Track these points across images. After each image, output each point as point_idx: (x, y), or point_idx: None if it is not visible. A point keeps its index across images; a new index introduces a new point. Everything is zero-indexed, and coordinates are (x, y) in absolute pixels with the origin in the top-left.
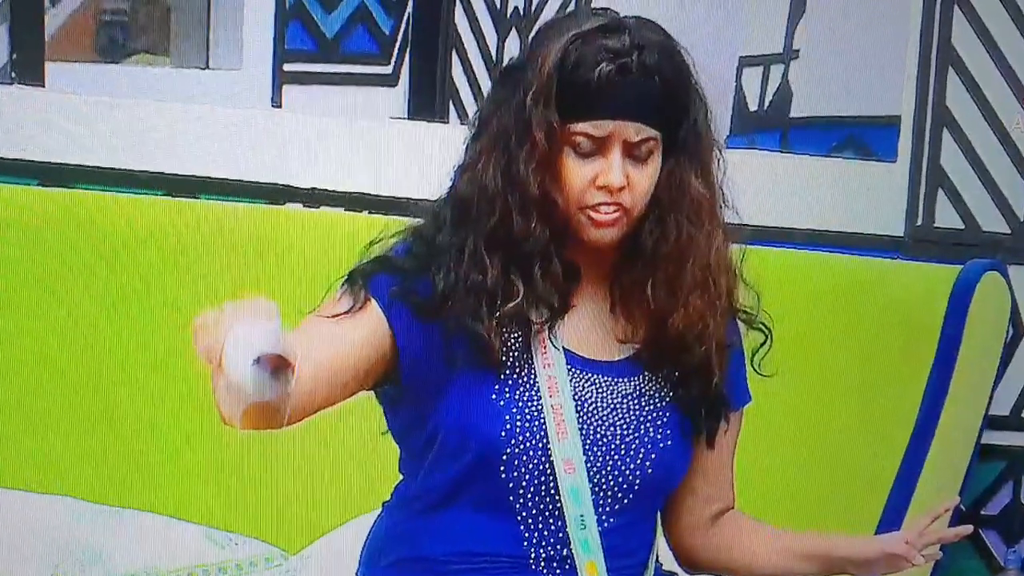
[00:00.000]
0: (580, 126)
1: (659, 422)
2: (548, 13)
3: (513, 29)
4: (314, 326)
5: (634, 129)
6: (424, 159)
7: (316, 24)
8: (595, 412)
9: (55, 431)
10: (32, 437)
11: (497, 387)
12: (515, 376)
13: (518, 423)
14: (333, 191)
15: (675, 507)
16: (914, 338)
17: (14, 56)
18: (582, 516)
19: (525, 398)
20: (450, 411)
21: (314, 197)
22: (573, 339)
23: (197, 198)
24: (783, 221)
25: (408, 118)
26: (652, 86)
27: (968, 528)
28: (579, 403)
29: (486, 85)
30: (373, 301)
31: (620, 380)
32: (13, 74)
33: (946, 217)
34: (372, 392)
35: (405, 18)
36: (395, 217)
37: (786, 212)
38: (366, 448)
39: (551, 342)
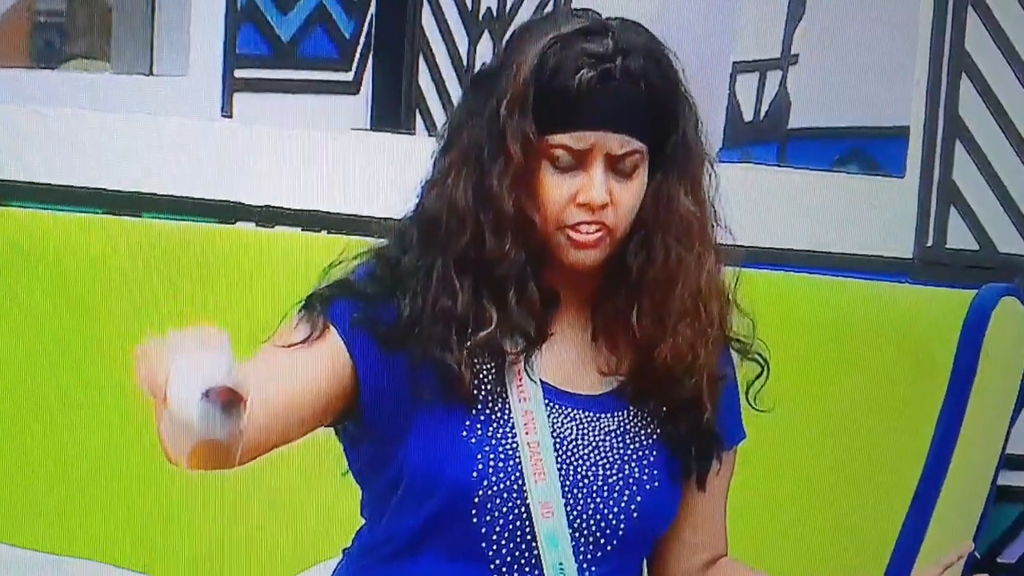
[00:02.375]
0: (559, 138)
1: (645, 462)
2: (524, 14)
3: (486, 32)
4: (268, 357)
5: (618, 141)
6: (388, 174)
7: (270, 26)
8: (575, 451)
9: None
10: None
11: (468, 423)
12: (488, 411)
13: (491, 463)
14: (289, 209)
15: (662, 555)
16: (924, 369)
17: None
18: (561, 564)
19: (499, 436)
20: (416, 450)
21: (268, 215)
22: (551, 371)
23: (140, 217)
24: (780, 242)
25: (371, 129)
26: (637, 94)
27: None
28: (558, 441)
29: (456, 93)
30: (332, 329)
31: (603, 416)
32: None
33: (959, 237)
34: (331, 429)
35: (367, 20)
36: (356, 237)
37: (784, 232)
38: (324, 490)
39: (527, 374)
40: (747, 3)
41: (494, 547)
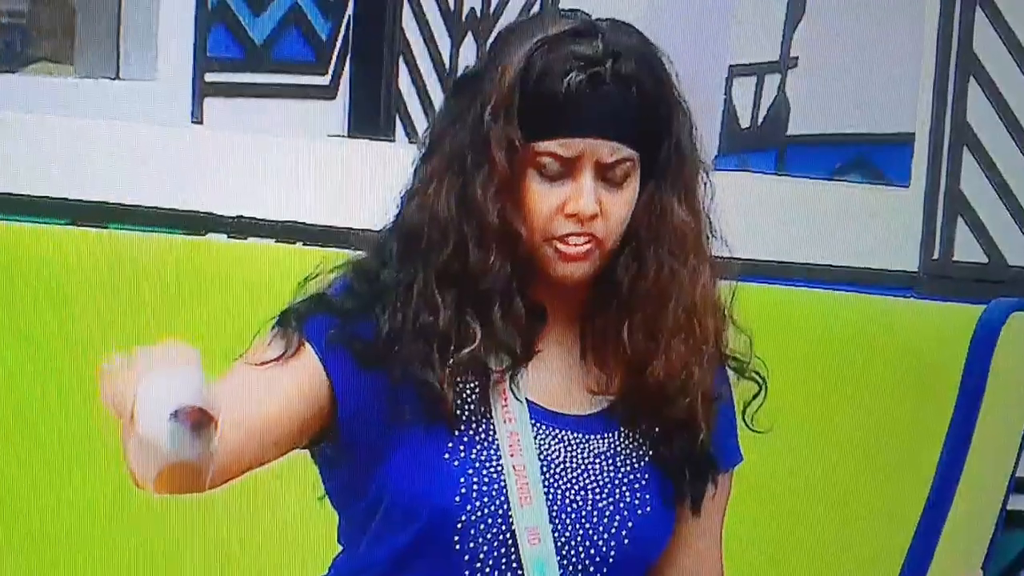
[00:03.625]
0: (546, 145)
1: (637, 485)
2: (509, 16)
3: (469, 33)
4: (240, 375)
5: (608, 148)
6: (367, 183)
7: (243, 28)
8: (563, 474)
9: None
10: None
11: (451, 445)
12: (471, 432)
13: (475, 487)
14: (262, 220)
15: None
16: (929, 389)
17: None
18: None
19: (483, 458)
20: (396, 473)
21: (240, 227)
22: (538, 390)
23: (106, 228)
24: (779, 254)
25: (348, 135)
26: (629, 99)
27: None
28: (545, 463)
29: (438, 98)
30: (308, 346)
31: (592, 437)
32: None
33: (966, 250)
34: (307, 451)
35: (345, 21)
36: (333, 249)
37: (783, 244)
38: (300, 515)
39: (512, 393)
40: (744, 3)
41: (478, 575)
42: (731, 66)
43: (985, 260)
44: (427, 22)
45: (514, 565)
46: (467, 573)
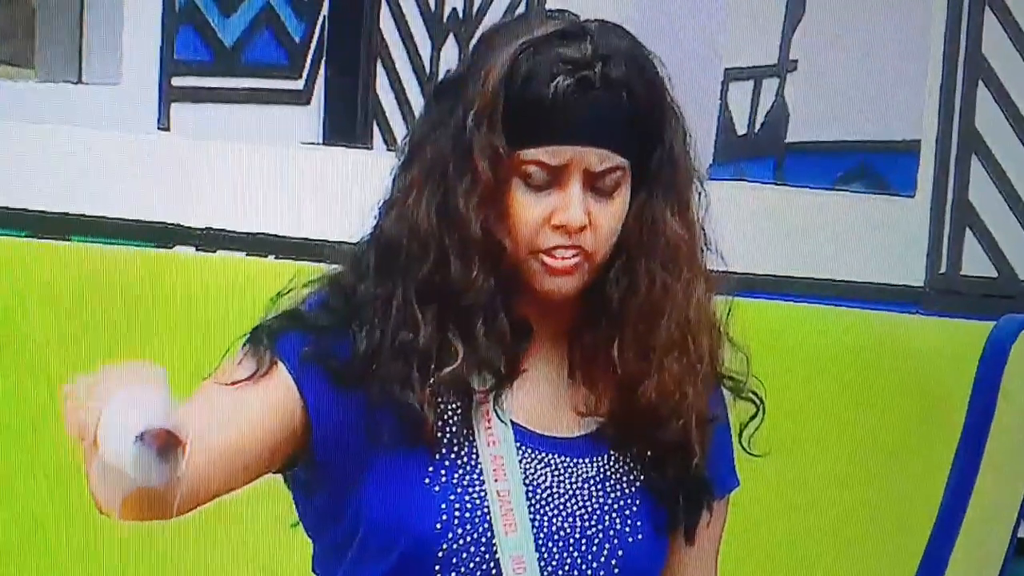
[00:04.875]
0: (532, 153)
1: (627, 512)
2: (493, 16)
3: (451, 35)
4: (210, 396)
5: (597, 156)
6: (343, 192)
7: (212, 29)
8: (550, 500)
9: None
10: None
11: (431, 470)
12: (453, 456)
13: (456, 513)
14: (232, 232)
15: None
16: (937, 410)
17: None
18: None
19: (465, 483)
20: (374, 499)
21: (209, 239)
22: (523, 411)
23: (68, 240)
24: (778, 268)
25: (323, 143)
26: (619, 104)
27: None
28: (530, 489)
29: (418, 103)
30: (281, 365)
31: (580, 461)
32: None
33: (975, 263)
34: (280, 475)
35: (319, 22)
36: (307, 263)
37: (782, 257)
38: (272, 543)
39: (496, 415)
40: (740, 3)
41: None
42: (727, 69)
43: (995, 274)
44: (406, 23)
45: None
46: None
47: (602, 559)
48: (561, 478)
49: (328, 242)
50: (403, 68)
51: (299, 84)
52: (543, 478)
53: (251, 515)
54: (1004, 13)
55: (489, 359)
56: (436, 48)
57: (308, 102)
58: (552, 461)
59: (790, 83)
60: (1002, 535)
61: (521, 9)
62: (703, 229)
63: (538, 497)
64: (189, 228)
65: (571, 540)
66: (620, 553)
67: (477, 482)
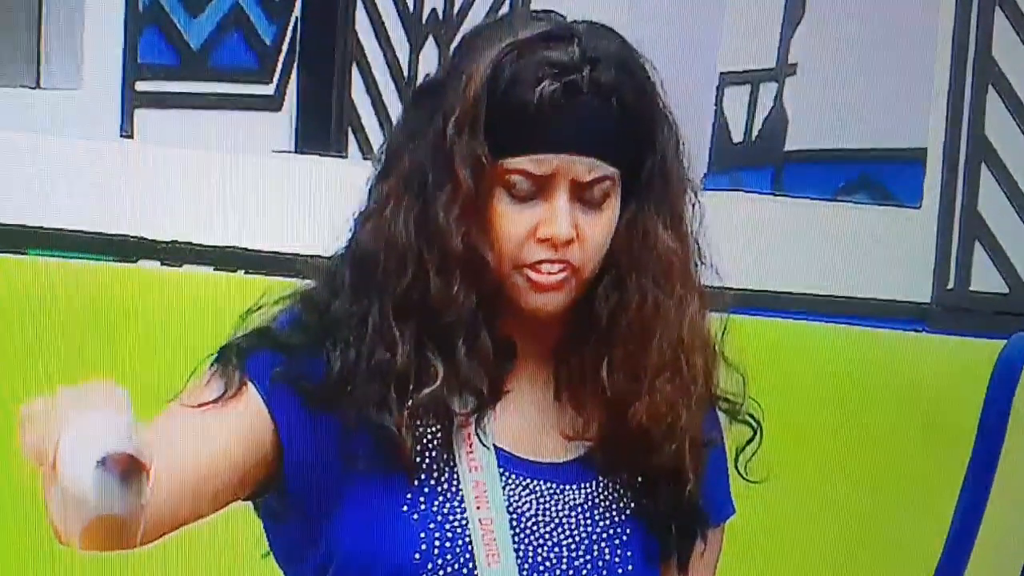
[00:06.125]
0: (516, 162)
1: (617, 541)
2: (474, 18)
3: (430, 37)
4: (175, 418)
5: (585, 166)
6: (316, 204)
7: (178, 31)
8: (535, 528)
9: None
10: None
11: (409, 496)
12: (433, 482)
13: (436, 543)
14: (199, 245)
15: None
16: (944, 433)
17: None
18: None
19: (445, 511)
20: (349, 528)
21: (175, 252)
22: (507, 435)
23: (25, 254)
24: (776, 283)
25: (296, 151)
26: (608, 110)
27: None
28: (515, 517)
29: (395, 109)
30: (250, 386)
31: (567, 487)
32: None
33: (985, 278)
34: (250, 503)
35: (291, 23)
36: (279, 278)
37: (780, 272)
38: (241, 574)
39: (478, 439)
40: (736, 5)
41: None
42: (722, 73)
43: (1006, 290)
44: (383, 24)
45: None
46: None
47: None
48: (547, 506)
49: (300, 256)
50: (380, 72)
51: (270, 89)
52: (528, 506)
53: (220, 545)
54: (1016, 13)
55: (470, 380)
56: (415, 51)
57: (279, 108)
58: (537, 488)
59: (789, 88)
60: (1013, 565)
61: (504, 10)
62: (697, 242)
63: (523, 526)
64: (153, 241)
65: (557, 571)
66: None
67: (458, 510)
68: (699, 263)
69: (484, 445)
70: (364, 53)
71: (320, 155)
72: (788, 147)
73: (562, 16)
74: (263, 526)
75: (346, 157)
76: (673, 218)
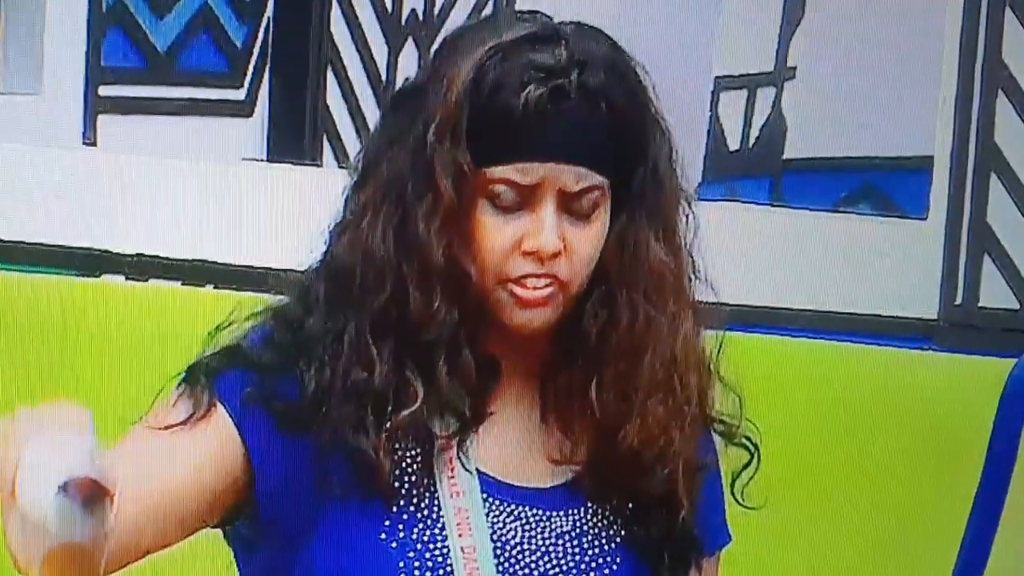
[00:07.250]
0: (500, 171)
1: (606, 570)
2: (456, 19)
3: (409, 39)
4: (140, 441)
5: (573, 175)
6: (289, 215)
7: (143, 32)
8: (520, 557)
9: None
10: None
11: (388, 523)
12: (412, 509)
13: (416, 572)
14: (166, 258)
15: None
16: (951, 456)
17: None
18: None
19: (426, 538)
20: (325, 556)
21: (140, 266)
22: (491, 459)
23: None
24: (774, 299)
25: (267, 159)
26: (597, 116)
27: None
28: (498, 545)
29: (373, 115)
30: (220, 407)
31: (554, 514)
32: None
33: (994, 294)
34: (219, 530)
35: (263, 24)
36: (250, 294)
37: (778, 287)
38: None
39: (461, 463)
40: (733, 5)
41: None
42: (717, 78)
43: (1016, 306)
44: (360, 26)
45: None
46: None
47: None
48: (532, 533)
49: (273, 270)
50: (356, 76)
51: (240, 94)
52: (512, 533)
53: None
54: None
55: (452, 401)
56: (393, 54)
57: (251, 114)
58: (523, 514)
59: (788, 92)
60: None
61: (488, 10)
62: (691, 256)
63: (507, 554)
64: (118, 254)
65: None
66: None
67: (439, 537)
68: (693, 277)
69: (467, 469)
70: (340, 56)
71: (293, 163)
72: (787, 155)
73: (549, 17)
74: (233, 555)
75: (321, 166)
76: (666, 230)
